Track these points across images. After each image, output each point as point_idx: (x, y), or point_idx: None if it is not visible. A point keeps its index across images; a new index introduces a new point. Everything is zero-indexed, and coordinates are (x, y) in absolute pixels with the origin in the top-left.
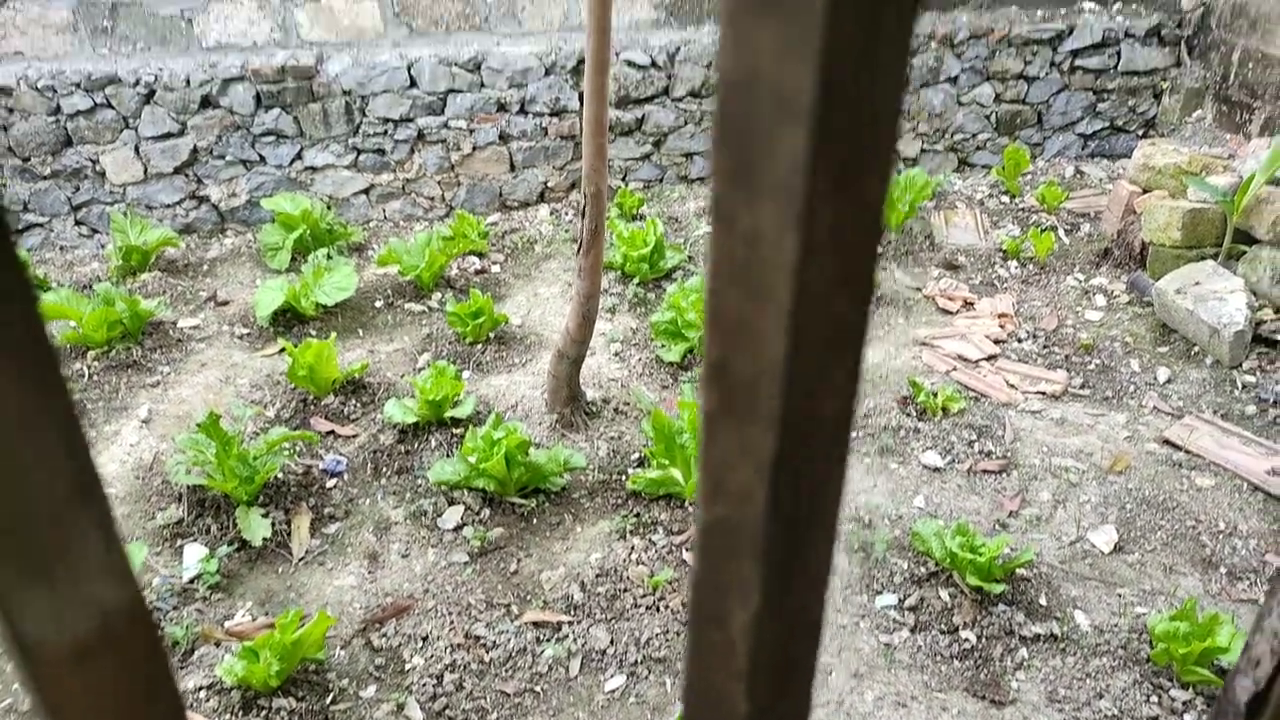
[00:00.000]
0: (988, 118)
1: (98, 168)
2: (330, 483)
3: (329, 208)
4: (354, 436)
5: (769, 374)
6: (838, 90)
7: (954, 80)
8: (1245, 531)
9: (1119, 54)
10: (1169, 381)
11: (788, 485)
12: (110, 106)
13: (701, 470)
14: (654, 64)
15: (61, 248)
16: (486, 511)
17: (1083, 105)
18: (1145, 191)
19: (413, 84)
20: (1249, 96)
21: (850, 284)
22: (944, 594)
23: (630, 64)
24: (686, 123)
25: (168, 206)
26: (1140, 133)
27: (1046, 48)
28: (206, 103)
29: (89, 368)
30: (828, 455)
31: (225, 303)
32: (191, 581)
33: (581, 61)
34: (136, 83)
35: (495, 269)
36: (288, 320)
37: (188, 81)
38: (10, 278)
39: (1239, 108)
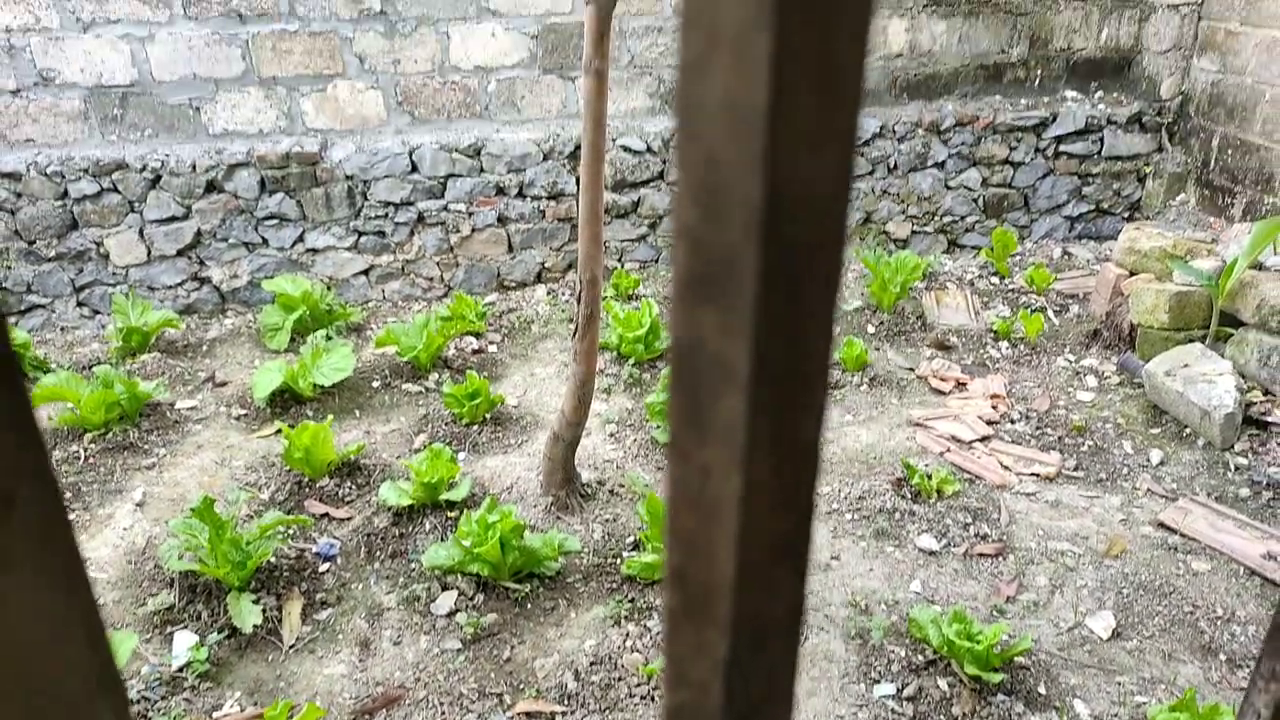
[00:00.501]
0: (975, 201)
1: (101, 250)
2: (323, 567)
3: (329, 288)
4: (348, 519)
5: (721, 584)
6: (770, 362)
7: (941, 165)
8: (1244, 618)
9: (1102, 140)
10: (1162, 463)
11: (741, 680)
12: (116, 191)
13: (665, 659)
14: (649, 149)
15: (63, 328)
16: (480, 597)
17: (1068, 189)
18: (1132, 274)
19: (414, 169)
20: (1230, 181)
21: (792, 507)
22: (942, 683)
23: (626, 149)
24: None
25: (169, 288)
26: (1125, 215)
27: (1031, 134)
28: (211, 187)
29: (85, 450)
30: (779, 652)
31: (223, 383)
32: (180, 670)
33: (578, 147)
34: (143, 168)
35: (492, 349)
36: (285, 401)
37: (194, 167)
38: (49, 501)
39: (1220, 192)
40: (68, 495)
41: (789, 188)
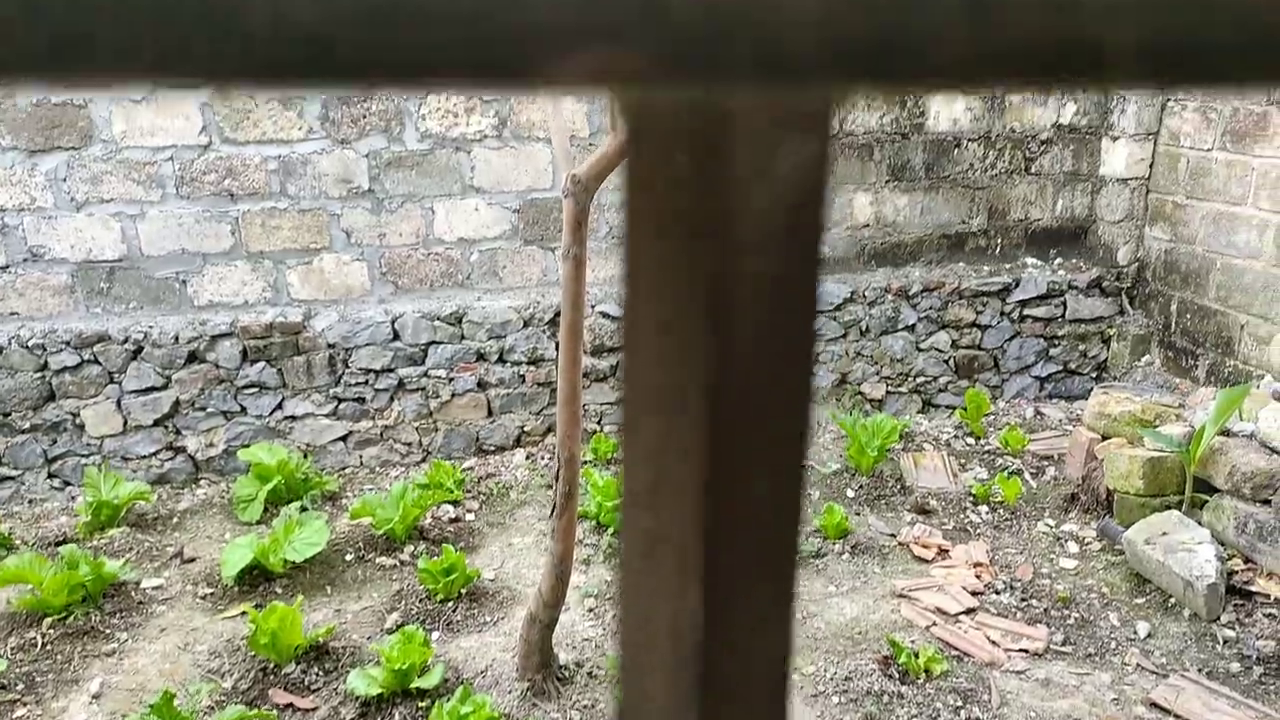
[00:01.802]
0: (946, 362)
1: (77, 421)
2: None
3: (306, 455)
4: (313, 710)
5: None
6: None
7: (912, 328)
8: None
9: (1065, 304)
10: (1149, 636)
11: None
12: (97, 362)
13: None
14: None
15: (31, 501)
16: None
17: (1035, 350)
18: (1104, 438)
19: (396, 337)
20: (1191, 344)
21: None
22: None
23: (604, 315)
24: None
25: (143, 457)
26: (1094, 375)
27: (995, 299)
28: (193, 358)
29: (44, 636)
30: None
31: (191, 560)
32: None
33: (558, 314)
34: (125, 340)
35: (470, 517)
36: (254, 578)
37: (176, 338)
38: None
39: (1183, 354)
40: (20, 687)
41: None
